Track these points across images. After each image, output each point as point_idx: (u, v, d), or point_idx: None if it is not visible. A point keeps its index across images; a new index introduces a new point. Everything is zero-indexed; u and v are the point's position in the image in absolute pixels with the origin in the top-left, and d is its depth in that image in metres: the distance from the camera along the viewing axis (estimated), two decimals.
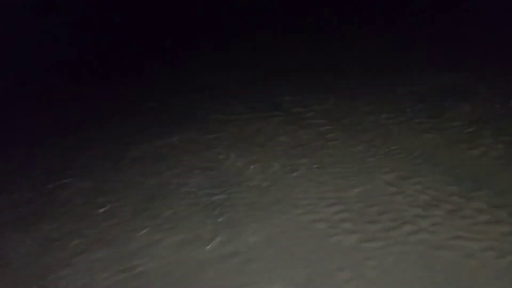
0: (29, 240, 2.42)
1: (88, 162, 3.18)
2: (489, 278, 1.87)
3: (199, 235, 2.29)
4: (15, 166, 3.20)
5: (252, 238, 2.21)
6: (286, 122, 3.25)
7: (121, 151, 3.31)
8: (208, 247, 2.21)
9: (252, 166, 2.79)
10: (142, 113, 3.96)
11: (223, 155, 2.97)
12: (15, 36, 6.39)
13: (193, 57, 5.22)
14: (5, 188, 2.95)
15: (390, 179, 2.51)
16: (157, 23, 6.51)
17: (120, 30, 6.43)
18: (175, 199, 2.61)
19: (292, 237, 2.19)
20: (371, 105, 3.36)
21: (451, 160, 2.64)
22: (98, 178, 2.92)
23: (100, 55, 5.70)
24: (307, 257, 2.07)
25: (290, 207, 2.39)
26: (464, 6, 5.41)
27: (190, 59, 5.15)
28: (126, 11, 7.02)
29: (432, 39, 4.54)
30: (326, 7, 6.02)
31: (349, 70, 4.04)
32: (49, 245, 2.39)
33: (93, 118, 3.85)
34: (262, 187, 2.57)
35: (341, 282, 1.92)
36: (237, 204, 2.46)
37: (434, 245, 2.02)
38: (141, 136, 3.48)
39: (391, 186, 2.46)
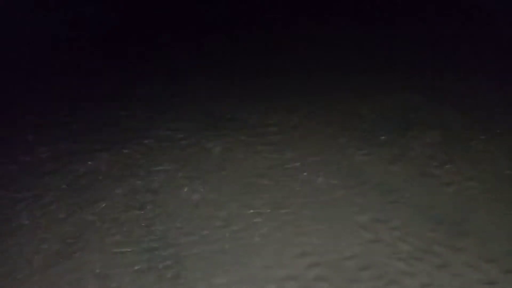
0: None
1: None
2: None
3: None
4: None
5: None
6: (240, 146, 2.80)
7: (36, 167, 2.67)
8: None
9: (202, 205, 2.30)
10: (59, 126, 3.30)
11: (166, 186, 2.45)
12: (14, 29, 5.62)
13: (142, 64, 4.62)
14: None
15: (364, 222, 2.16)
16: None
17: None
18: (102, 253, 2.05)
19: None
20: (334, 129, 3.01)
21: (425, 198, 2.35)
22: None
23: None
24: None
25: (253, 259, 1.94)
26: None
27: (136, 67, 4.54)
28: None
29: (400, 58, 4.38)
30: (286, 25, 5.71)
31: (314, 89, 3.68)
32: None
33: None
34: (216, 233, 2.10)
35: None
36: (187, 257, 1.96)
37: None
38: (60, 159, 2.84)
39: (366, 231, 2.10)
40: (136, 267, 1.92)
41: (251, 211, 2.23)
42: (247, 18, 6.01)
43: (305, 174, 2.53)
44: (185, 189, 2.43)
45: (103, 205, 2.30)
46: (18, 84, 4.16)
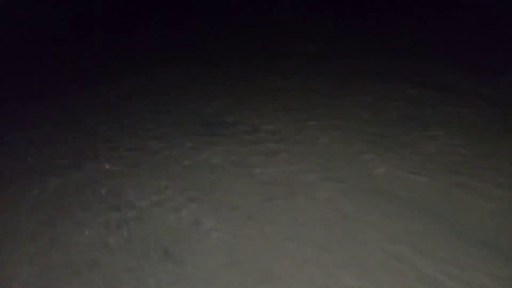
0: None
1: None
2: None
3: None
4: None
5: None
6: (243, 159, 2.40)
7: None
8: None
9: (203, 235, 1.87)
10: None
11: (158, 210, 2.03)
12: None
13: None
14: None
15: (399, 252, 1.76)
16: None
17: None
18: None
19: None
20: (347, 136, 2.64)
21: (463, 217, 1.97)
22: None
23: None
24: None
25: None
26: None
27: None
28: None
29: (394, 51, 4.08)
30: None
31: (319, 92, 3.32)
32: None
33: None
34: (223, 275, 1.69)
35: None
36: None
37: None
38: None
39: (401, 263, 1.70)
40: None
41: (263, 242, 1.83)
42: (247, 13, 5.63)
43: (321, 192, 2.14)
44: (183, 213, 2.02)
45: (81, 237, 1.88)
46: None
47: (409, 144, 2.57)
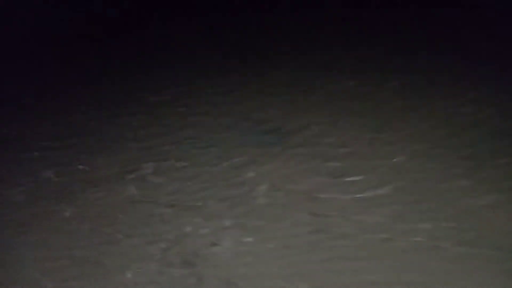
0: None
1: None
2: None
3: None
4: None
5: None
6: (292, 178, 2.18)
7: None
8: None
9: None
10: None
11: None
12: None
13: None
14: None
15: None
16: None
17: None
18: None
19: None
20: (419, 154, 2.39)
21: None
22: None
23: None
24: None
25: None
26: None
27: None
28: None
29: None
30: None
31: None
32: None
33: None
34: None
35: None
36: None
37: None
38: None
39: None
40: None
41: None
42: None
43: (386, 232, 1.79)
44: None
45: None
46: None
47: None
